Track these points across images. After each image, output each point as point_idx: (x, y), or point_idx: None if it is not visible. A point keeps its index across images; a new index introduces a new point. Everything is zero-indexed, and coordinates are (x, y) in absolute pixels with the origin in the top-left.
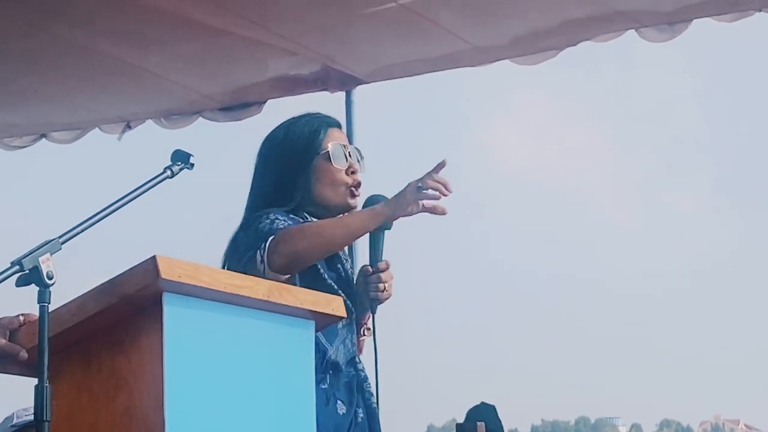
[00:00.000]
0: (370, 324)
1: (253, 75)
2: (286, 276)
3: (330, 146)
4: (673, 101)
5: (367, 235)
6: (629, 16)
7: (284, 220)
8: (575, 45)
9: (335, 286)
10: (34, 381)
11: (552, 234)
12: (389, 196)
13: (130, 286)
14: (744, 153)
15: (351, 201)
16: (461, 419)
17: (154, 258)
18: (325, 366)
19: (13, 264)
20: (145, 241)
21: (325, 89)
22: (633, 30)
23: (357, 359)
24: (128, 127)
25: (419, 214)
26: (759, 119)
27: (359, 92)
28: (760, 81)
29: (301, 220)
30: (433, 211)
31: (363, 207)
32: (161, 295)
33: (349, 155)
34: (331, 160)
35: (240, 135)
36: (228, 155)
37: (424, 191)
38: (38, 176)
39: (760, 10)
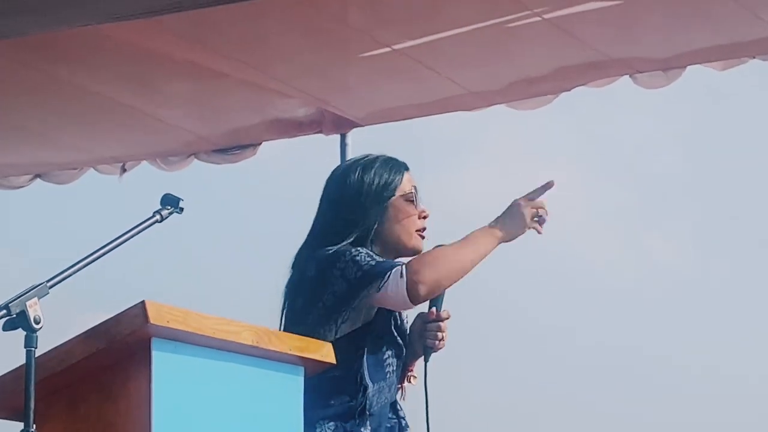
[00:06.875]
0: (416, 372)
1: (248, 117)
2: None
3: (412, 188)
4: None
5: None
6: (625, 63)
7: (372, 254)
8: (569, 90)
9: (394, 333)
10: (20, 426)
11: (523, 275)
12: None
13: (118, 331)
14: (727, 199)
15: (420, 245)
16: None
17: (143, 303)
18: (362, 407)
19: (0, 308)
20: (135, 285)
21: (320, 132)
22: (627, 76)
23: (398, 405)
24: (123, 169)
25: None
26: (743, 165)
27: (354, 135)
28: (747, 126)
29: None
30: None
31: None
32: (150, 341)
33: (421, 200)
34: (413, 202)
35: (235, 177)
36: (223, 198)
37: (540, 218)
38: (33, 217)
39: (754, 57)
